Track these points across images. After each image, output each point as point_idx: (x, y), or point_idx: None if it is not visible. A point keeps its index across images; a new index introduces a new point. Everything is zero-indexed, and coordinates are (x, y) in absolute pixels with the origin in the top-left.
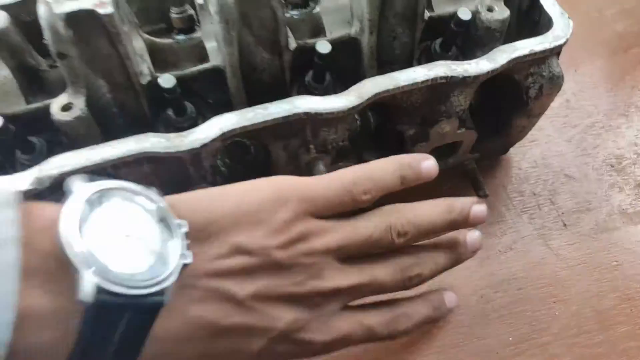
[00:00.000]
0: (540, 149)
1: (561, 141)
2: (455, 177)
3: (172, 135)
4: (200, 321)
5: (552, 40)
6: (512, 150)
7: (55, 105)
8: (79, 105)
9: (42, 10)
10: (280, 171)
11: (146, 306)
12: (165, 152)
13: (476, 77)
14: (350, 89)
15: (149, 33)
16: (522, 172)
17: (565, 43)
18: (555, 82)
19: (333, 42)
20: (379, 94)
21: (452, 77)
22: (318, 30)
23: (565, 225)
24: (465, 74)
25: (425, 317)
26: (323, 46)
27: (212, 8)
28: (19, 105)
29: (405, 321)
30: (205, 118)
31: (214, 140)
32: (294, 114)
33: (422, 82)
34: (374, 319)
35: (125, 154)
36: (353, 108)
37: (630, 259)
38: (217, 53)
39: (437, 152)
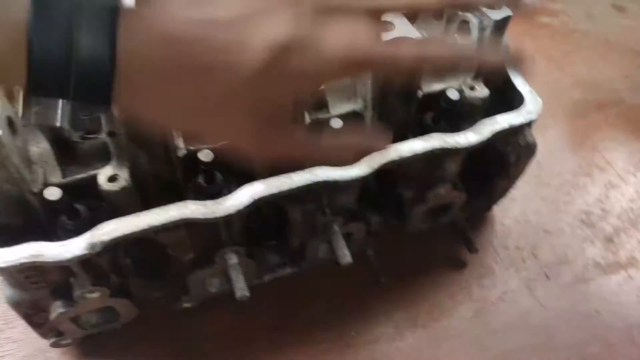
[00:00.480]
0: (519, 206)
1: (537, 199)
2: (448, 236)
3: (208, 202)
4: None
5: (526, 114)
6: (494, 208)
7: (102, 176)
8: (124, 176)
9: None
10: (297, 230)
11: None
12: (204, 219)
13: (466, 147)
14: (360, 161)
15: None
16: (505, 228)
17: (536, 117)
18: (530, 150)
19: (342, 116)
20: (386, 163)
21: (445, 148)
22: (323, 105)
23: (547, 277)
24: (457, 145)
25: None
26: (336, 122)
27: None
28: (56, 172)
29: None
30: (230, 185)
31: (246, 207)
32: (315, 182)
33: (422, 153)
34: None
35: (168, 220)
36: (364, 176)
37: (608, 308)
38: None
39: (431, 213)
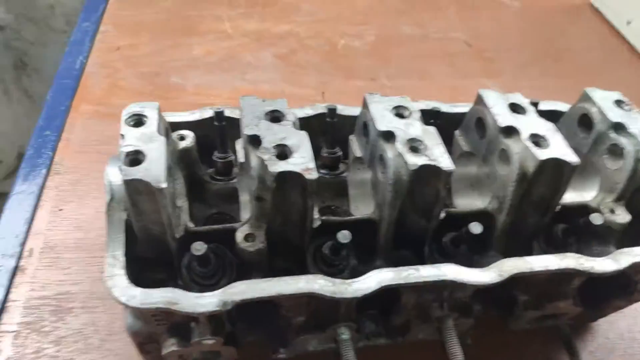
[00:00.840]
0: (626, 322)
1: None
2: (543, 335)
3: (337, 281)
4: None
5: None
6: (600, 320)
7: (240, 234)
8: (260, 238)
9: (255, 162)
10: (406, 311)
11: None
12: (330, 297)
13: (601, 273)
14: (492, 266)
15: None
16: (609, 342)
17: None
18: None
19: (471, 214)
20: (515, 274)
21: (579, 270)
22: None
23: None
24: (591, 270)
25: None
26: (476, 227)
27: (387, 178)
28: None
29: None
30: (349, 258)
31: (372, 292)
32: (442, 280)
33: (554, 270)
34: None
35: (296, 291)
36: (492, 283)
37: None
38: (358, 198)
39: (540, 318)
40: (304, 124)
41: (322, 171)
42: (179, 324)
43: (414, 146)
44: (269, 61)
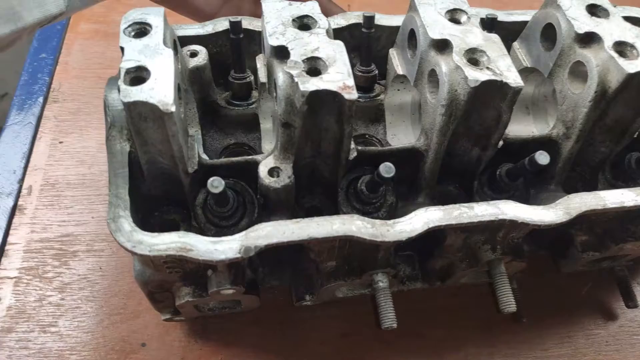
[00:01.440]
0: None
1: None
2: (595, 278)
3: (377, 222)
4: None
5: None
6: None
7: (263, 167)
8: (287, 172)
9: (281, 79)
10: (449, 253)
11: None
12: (370, 240)
13: None
14: (557, 203)
15: None
16: None
17: None
18: None
19: (535, 139)
20: (585, 212)
21: None
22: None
23: None
24: None
25: None
26: (543, 158)
27: (439, 99)
28: (199, 140)
29: None
30: (387, 195)
31: (417, 235)
32: (500, 219)
33: (631, 207)
34: None
35: (330, 234)
36: (559, 223)
37: None
38: (395, 125)
39: (598, 259)
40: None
41: None
42: (194, 272)
43: (474, 58)
44: None
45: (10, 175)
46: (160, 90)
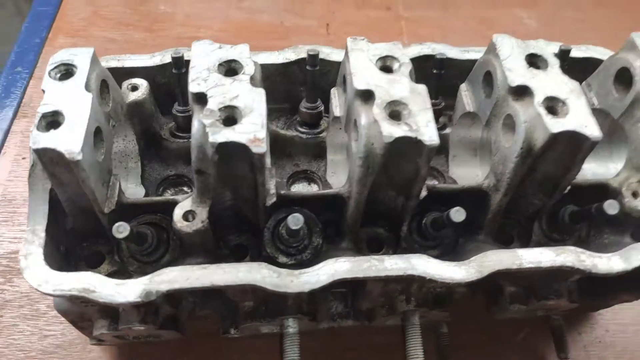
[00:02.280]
0: (633, 312)
1: None
2: (533, 324)
3: (283, 272)
4: None
5: None
6: None
7: (179, 210)
8: (201, 217)
9: (195, 128)
10: (370, 299)
11: None
12: (273, 290)
13: (606, 274)
14: (471, 260)
15: (271, 110)
16: (608, 335)
17: None
18: None
19: (462, 191)
20: (500, 270)
21: (577, 269)
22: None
23: None
24: (593, 270)
25: None
26: (459, 215)
27: (359, 150)
28: (137, 172)
29: None
30: (312, 235)
31: (321, 287)
32: (408, 274)
33: (546, 268)
34: None
35: (234, 282)
36: (469, 282)
37: None
38: (335, 166)
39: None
40: (282, 71)
41: (300, 129)
42: (109, 307)
43: (396, 110)
44: None
45: None
46: (70, 137)
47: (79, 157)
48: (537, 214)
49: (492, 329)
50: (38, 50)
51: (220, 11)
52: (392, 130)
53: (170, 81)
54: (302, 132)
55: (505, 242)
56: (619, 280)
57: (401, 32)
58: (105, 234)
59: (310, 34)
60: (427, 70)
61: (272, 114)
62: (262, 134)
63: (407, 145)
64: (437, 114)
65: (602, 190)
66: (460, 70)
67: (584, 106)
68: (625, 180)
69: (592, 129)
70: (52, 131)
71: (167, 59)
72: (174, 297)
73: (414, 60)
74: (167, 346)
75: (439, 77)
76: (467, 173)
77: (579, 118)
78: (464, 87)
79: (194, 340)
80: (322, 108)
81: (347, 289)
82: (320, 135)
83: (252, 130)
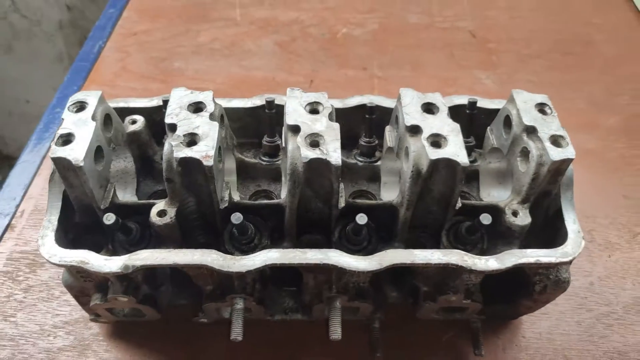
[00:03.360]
0: (549, 322)
1: (571, 321)
2: (460, 328)
3: (227, 257)
4: None
5: (560, 256)
6: (523, 317)
7: (155, 209)
8: (170, 214)
9: (166, 147)
10: (309, 290)
11: None
12: (218, 270)
13: (482, 271)
14: (375, 255)
15: (243, 143)
16: (524, 340)
17: (571, 261)
18: (559, 286)
19: (377, 206)
20: (396, 264)
21: (461, 266)
22: (375, 178)
23: None
24: (473, 267)
25: None
26: (361, 219)
27: (287, 168)
28: (133, 186)
29: None
30: (262, 236)
31: (256, 269)
32: (324, 264)
33: (435, 264)
34: None
35: (190, 262)
36: (372, 271)
37: None
38: (286, 186)
39: (445, 310)
40: (250, 113)
41: (263, 158)
42: (102, 283)
43: (316, 140)
44: (269, 48)
45: (11, 200)
46: (77, 150)
47: (82, 164)
48: (441, 227)
49: (421, 331)
50: None
51: (223, 68)
52: (308, 154)
53: (163, 118)
54: (264, 160)
55: None
56: (514, 287)
57: (373, 88)
58: (103, 228)
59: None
60: (362, 115)
61: (244, 146)
62: (212, 152)
63: (320, 165)
64: (373, 149)
65: (493, 210)
66: (387, 115)
67: (459, 141)
68: (509, 202)
69: (462, 157)
70: (65, 146)
71: (160, 102)
72: (152, 279)
73: (356, 108)
74: (150, 326)
75: (370, 120)
76: (393, 195)
77: (454, 149)
78: (388, 128)
79: (173, 324)
80: (279, 142)
81: (297, 288)
82: (277, 162)
83: (205, 149)
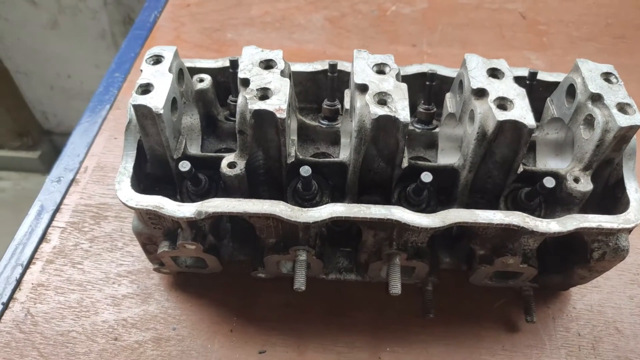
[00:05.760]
0: (600, 296)
1: (623, 296)
2: (511, 296)
3: (295, 208)
4: None
5: (622, 222)
6: (573, 289)
7: (225, 161)
8: (240, 166)
9: (240, 100)
10: (366, 248)
11: None
12: (287, 219)
13: (543, 233)
14: (438, 213)
15: (303, 108)
16: (575, 311)
17: (632, 229)
18: (618, 254)
19: (438, 168)
20: (458, 222)
21: (523, 227)
22: (432, 145)
23: None
24: (535, 229)
25: None
26: (427, 177)
27: (354, 125)
28: (198, 143)
29: None
30: (324, 194)
31: (322, 220)
32: (388, 219)
33: (497, 224)
34: None
35: (259, 211)
36: (434, 228)
37: None
38: (345, 147)
39: (500, 273)
40: (311, 77)
41: (322, 122)
42: (171, 231)
43: (383, 99)
44: (319, 23)
45: (75, 157)
46: (157, 99)
47: (161, 112)
48: (500, 193)
49: (473, 297)
50: (132, 62)
51: (275, 40)
52: (377, 110)
53: (227, 80)
54: (323, 124)
55: None
56: (570, 254)
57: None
58: (172, 181)
59: (346, 61)
60: (420, 83)
61: (303, 111)
62: (285, 106)
63: (388, 122)
64: (431, 117)
65: (554, 177)
66: (449, 84)
67: (526, 105)
68: (570, 169)
69: (529, 120)
70: (145, 95)
71: (227, 63)
72: (216, 231)
73: (415, 76)
74: (209, 279)
75: (430, 88)
76: (450, 159)
77: (520, 112)
78: (449, 95)
79: (232, 278)
80: (339, 106)
81: (353, 249)
82: (336, 126)
83: (278, 103)
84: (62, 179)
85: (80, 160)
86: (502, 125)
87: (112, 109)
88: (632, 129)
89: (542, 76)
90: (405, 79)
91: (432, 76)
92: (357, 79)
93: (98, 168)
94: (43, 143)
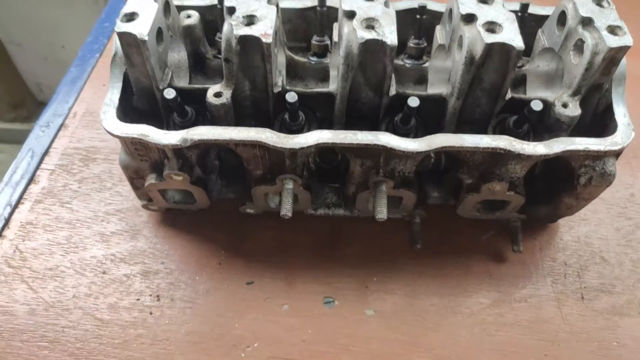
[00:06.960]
0: (587, 228)
1: (610, 228)
2: (498, 228)
3: (281, 134)
4: None
5: (609, 144)
6: (561, 221)
7: (211, 90)
8: (227, 95)
9: (225, 27)
10: (354, 179)
11: None
12: (273, 146)
13: (530, 156)
14: (424, 138)
15: (292, 47)
16: (562, 242)
17: (621, 150)
18: (605, 178)
19: (426, 97)
20: (445, 147)
21: (509, 151)
22: (422, 80)
23: (582, 298)
24: (522, 152)
25: None
26: (413, 101)
27: (341, 51)
28: (186, 80)
29: None
30: (311, 126)
31: (309, 147)
32: (374, 144)
33: (483, 148)
34: None
35: (245, 138)
36: (420, 152)
37: (633, 346)
38: (334, 80)
39: (487, 204)
40: (300, 14)
41: (311, 58)
42: (157, 162)
43: (371, 25)
44: None
45: (64, 104)
46: (141, 26)
47: (146, 38)
48: (488, 122)
49: (461, 230)
50: None
51: None
52: (365, 35)
53: (216, 19)
54: (312, 61)
55: None
56: (556, 181)
57: None
58: (159, 117)
59: None
60: (410, 18)
61: (292, 49)
62: (270, 31)
63: (375, 46)
64: (421, 51)
65: (542, 103)
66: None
67: (515, 28)
68: (559, 96)
69: (517, 42)
70: (129, 22)
71: (215, 1)
72: (203, 164)
73: (405, 12)
74: (197, 216)
75: (420, 22)
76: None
77: (509, 34)
78: (439, 27)
79: (220, 214)
80: (329, 42)
81: (341, 185)
82: (325, 62)
83: (264, 29)
84: (51, 124)
85: (70, 106)
86: (490, 48)
87: (101, 57)
88: (621, 50)
89: (535, 10)
90: (396, 15)
91: (422, 9)
92: (345, 5)
93: (87, 113)
94: (38, 115)
